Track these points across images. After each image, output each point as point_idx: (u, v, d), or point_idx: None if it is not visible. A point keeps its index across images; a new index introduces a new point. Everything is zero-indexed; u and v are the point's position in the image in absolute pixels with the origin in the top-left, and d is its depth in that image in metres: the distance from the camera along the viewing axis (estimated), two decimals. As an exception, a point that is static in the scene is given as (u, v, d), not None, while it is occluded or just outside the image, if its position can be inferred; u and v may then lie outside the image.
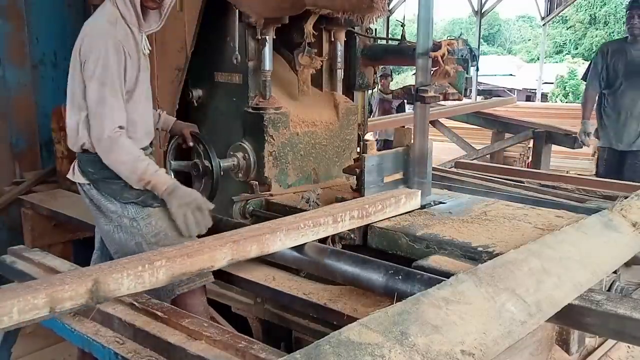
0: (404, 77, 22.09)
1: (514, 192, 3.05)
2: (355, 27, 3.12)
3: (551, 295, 1.53)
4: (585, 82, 5.05)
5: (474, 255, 1.98)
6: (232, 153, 2.86)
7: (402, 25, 3.14)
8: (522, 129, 6.49)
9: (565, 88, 22.54)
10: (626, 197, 2.30)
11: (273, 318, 2.28)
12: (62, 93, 2.37)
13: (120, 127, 2.21)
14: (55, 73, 3.97)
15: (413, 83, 2.55)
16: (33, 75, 3.93)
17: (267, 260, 2.14)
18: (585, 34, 29.26)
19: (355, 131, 3.24)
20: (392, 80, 8.43)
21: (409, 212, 2.44)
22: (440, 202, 2.60)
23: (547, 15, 17.82)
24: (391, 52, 3.25)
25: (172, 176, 2.80)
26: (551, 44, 29.64)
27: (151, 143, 2.54)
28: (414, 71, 2.48)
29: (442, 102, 5.62)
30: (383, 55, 3.27)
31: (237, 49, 2.73)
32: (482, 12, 16.11)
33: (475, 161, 5.35)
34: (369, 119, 3.69)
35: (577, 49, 29.53)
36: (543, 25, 18.83)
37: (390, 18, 12.07)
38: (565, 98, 21.66)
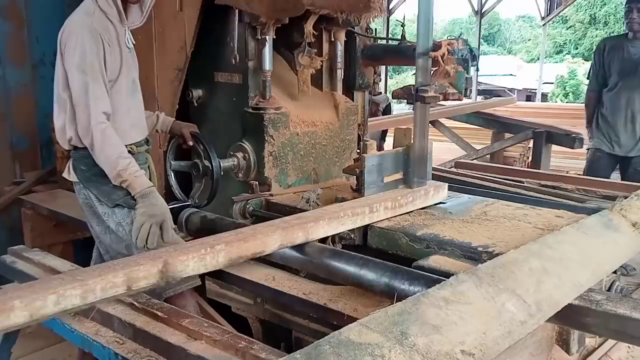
0: (404, 77, 22.11)
1: (514, 192, 3.05)
2: (356, 27, 3.12)
3: (551, 295, 1.53)
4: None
5: (474, 255, 1.98)
6: (232, 153, 2.86)
7: (402, 25, 3.13)
8: (522, 129, 6.46)
9: (565, 88, 22.59)
10: (626, 197, 2.30)
11: (273, 318, 2.28)
12: (62, 93, 2.37)
13: (105, 113, 2.23)
14: (56, 73, 3.98)
15: (413, 83, 2.54)
16: (33, 75, 3.94)
17: (267, 260, 2.14)
18: (585, 34, 29.28)
19: (355, 131, 3.24)
20: (380, 81, 8.40)
21: (410, 211, 2.44)
22: (440, 202, 2.60)
23: (547, 15, 17.77)
24: (391, 52, 3.25)
25: (172, 176, 2.82)
26: (551, 44, 29.67)
27: (148, 141, 2.54)
28: (414, 71, 2.47)
29: (442, 102, 5.60)
30: (383, 55, 3.27)
31: (236, 48, 2.73)
32: (482, 12, 16.08)
33: (475, 161, 5.33)
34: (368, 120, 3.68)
35: (577, 49, 29.57)
36: (543, 25, 18.79)
37: (390, 18, 12.06)
38: (566, 98, 21.70)
